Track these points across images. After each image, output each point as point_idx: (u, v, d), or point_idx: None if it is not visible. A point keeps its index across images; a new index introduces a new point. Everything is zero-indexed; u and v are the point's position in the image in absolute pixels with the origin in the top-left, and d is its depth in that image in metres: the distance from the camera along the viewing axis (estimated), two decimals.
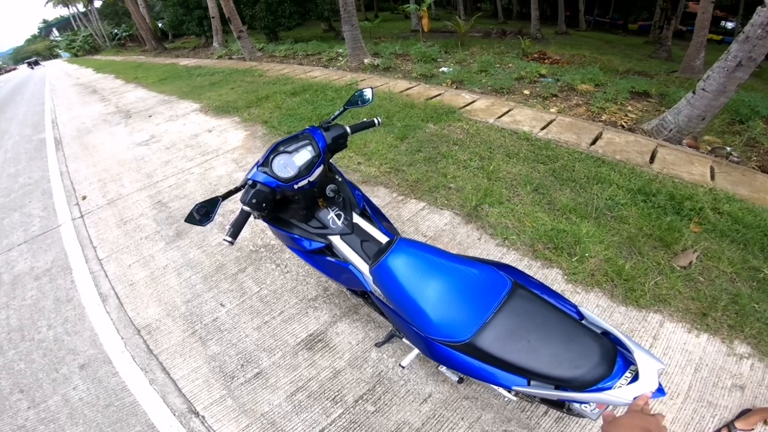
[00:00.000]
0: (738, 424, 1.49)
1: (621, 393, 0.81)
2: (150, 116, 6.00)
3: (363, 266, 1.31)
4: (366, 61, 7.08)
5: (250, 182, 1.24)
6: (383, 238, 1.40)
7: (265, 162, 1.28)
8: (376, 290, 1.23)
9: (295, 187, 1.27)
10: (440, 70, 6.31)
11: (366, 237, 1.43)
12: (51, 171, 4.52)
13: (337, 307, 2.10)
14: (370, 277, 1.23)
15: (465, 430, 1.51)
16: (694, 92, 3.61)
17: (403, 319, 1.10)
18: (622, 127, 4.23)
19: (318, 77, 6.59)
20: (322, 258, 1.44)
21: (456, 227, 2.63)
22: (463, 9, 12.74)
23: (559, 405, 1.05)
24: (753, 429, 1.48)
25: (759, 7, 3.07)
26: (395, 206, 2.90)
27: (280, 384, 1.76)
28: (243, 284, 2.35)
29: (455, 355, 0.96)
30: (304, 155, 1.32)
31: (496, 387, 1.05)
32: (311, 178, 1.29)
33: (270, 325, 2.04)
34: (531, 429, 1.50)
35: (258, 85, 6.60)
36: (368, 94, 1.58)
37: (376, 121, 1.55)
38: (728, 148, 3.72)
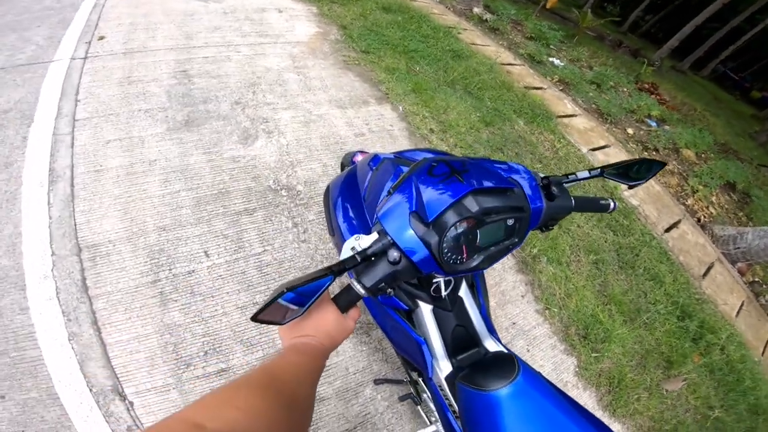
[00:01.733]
0: None
1: None
2: None
3: (441, 352, 0.85)
4: (476, 10, 5.74)
5: (395, 256, 0.59)
6: (485, 335, 0.90)
7: (437, 219, 0.61)
8: (446, 393, 0.83)
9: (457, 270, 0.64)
10: (550, 59, 5.15)
11: (464, 322, 0.89)
12: None
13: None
14: (442, 376, 0.84)
15: None
16: None
17: None
18: (698, 221, 3.51)
19: (418, 2, 5.36)
20: (390, 312, 0.91)
21: (505, 271, 2.09)
22: (591, 2, 10.59)
23: None
24: None
25: None
26: None
27: None
28: (243, 234, 1.72)
29: None
30: (499, 232, 0.67)
31: None
32: (485, 269, 0.69)
33: None
34: None
35: None
36: (652, 171, 0.86)
37: (611, 205, 0.87)
38: (765, 286, 3.15)
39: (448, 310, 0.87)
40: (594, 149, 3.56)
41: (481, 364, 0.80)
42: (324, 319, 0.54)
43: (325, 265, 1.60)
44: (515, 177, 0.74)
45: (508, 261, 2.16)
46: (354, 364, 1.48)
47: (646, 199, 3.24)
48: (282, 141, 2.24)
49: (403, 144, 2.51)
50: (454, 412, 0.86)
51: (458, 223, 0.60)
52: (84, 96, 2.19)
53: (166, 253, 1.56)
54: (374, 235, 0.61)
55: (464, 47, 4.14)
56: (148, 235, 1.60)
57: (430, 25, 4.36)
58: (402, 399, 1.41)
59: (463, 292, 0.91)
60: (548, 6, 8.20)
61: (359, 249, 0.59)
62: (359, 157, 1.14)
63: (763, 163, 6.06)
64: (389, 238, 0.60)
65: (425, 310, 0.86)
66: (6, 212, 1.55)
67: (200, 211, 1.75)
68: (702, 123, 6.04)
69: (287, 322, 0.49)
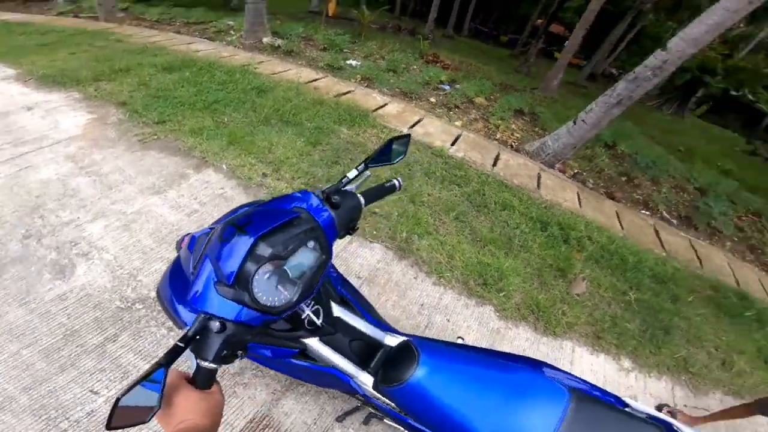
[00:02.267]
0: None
1: None
2: None
3: (353, 370, 0.94)
4: (265, 40, 5.85)
5: (216, 326, 0.62)
6: (379, 334, 1.00)
7: (239, 276, 0.66)
8: (383, 400, 0.92)
9: (286, 313, 0.70)
10: (348, 62, 5.69)
11: (354, 335, 0.99)
12: None
13: (275, 380, 1.54)
14: (369, 388, 0.93)
15: None
16: (575, 122, 4.01)
17: None
18: (511, 147, 4.52)
19: (203, 52, 5.14)
20: (289, 361, 0.95)
21: (390, 264, 2.28)
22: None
23: None
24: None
25: (658, 50, 3.29)
26: None
27: None
28: (119, 360, 1.52)
29: None
30: (304, 258, 0.72)
31: None
32: (313, 295, 0.75)
33: None
34: None
35: (115, 51, 4.70)
36: (404, 144, 0.99)
37: (396, 184, 1.00)
38: (585, 174, 4.35)
39: (332, 333, 0.94)
40: (412, 126, 4.14)
41: (389, 362, 0.88)
42: (189, 401, 0.58)
43: None
44: (298, 205, 0.82)
45: (386, 253, 2.33)
46: (308, 415, 1.48)
47: (468, 148, 3.94)
48: (106, 257, 1.94)
49: (241, 201, 2.46)
50: (401, 411, 0.93)
51: (259, 271, 0.65)
52: None
53: (51, 407, 1.35)
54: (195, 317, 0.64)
55: (266, 80, 4.22)
56: (18, 399, 1.36)
57: (222, 70, 4.29)
58: (366, 422, 1.47)
59: (338, 311, 1.00)
60: (330, 14, 8.94)
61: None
62: (186, 241, 1.11)
63: (533, 86, 8.07)
64: (205, 313, 0.64)
65: (314, 343, 0.92)
66: None
67: (56, 360, 1.49)
68: (480, 73, 7.58)
69: (150, 419, 0.52)
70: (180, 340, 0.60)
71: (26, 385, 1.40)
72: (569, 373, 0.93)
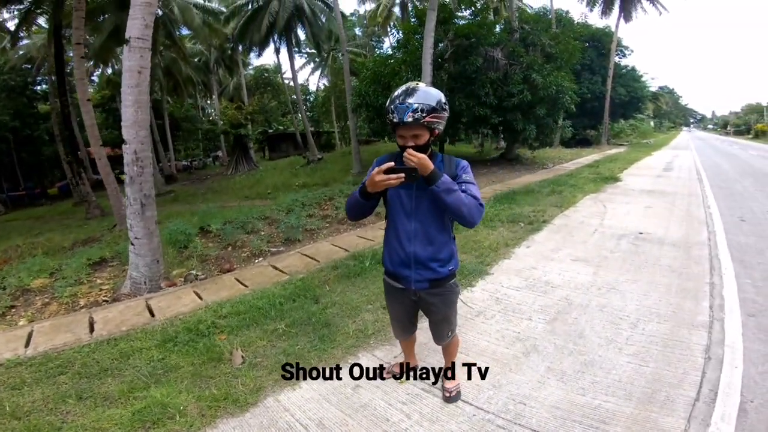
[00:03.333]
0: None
1: None
2: None
3: None
4: None
5: None
6: None
7: None
8: None
9: None
10: None
11: None
12: None
13: None
14: None
15: None
16: (132, 243, 4.22)
17: None
18: (106, 302, 4.20)
19: None
20: None
21: None
22: None
23: None
24: None
25: (124, 145, 3.82)
26: None
27: None
28: None
29: None
30: None
31: None
32: None
33: None
34: None
35: None
36: None
37: None
38: (193, 272, 4.84)
39: None
40: None
41: None
42: None
43: None
44: None
45: None
46: None
47: (51, 337, 3.11)
48: None
49: None
50: None
51: None
52: None
53: None
54: None
55: None
56: None
57: None
58: None
59: None
60: None
61: None
62: None
63: (113, 224, 7.59)
64: None
65: None
66: None
67: None
68: (37, 251, 6.21)
69: None
70: None
71: None
72: None
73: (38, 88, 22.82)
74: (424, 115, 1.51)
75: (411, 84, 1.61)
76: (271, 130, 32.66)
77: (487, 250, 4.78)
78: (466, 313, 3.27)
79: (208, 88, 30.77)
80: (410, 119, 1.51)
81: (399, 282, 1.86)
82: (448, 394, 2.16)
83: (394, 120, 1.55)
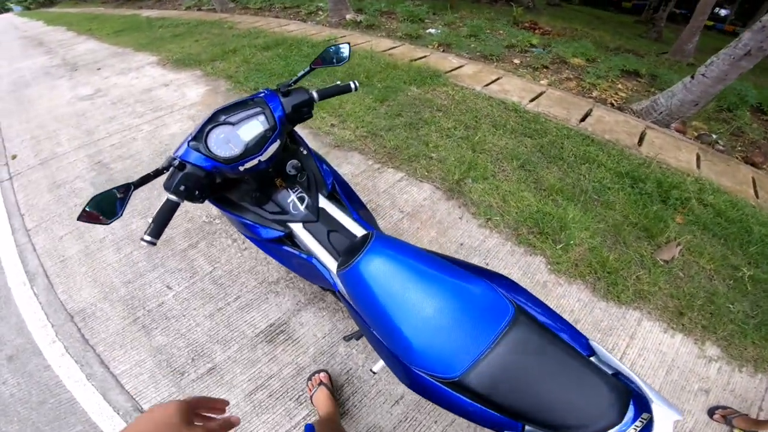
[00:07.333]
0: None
1: None
2: (99, 69, 5.27)
3: (330, 262, 1.06)
4: (348, 16, 6.45)
5: (176, 163, 0.92)
6: (357, 230, 1.12)
7: (198, 135, 0.96)
8: (346, 295, 0.98)
9: (241, 168, 0.97)
10: (427, 31, 5.84)
11: (334, 226, 1.15)
12: None
13: (302, 293, 1.88)
14: (333, 270, 1.02)
15: None
16: (692, 77, 3.45)
17: (377, 338, 0.89)
18: (612, 105, 4.07)
19: (294, 32, 5.96)
20: (279, 247, 1.17)
21: (436, 203, 2.42)
22: None
23: None
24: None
25: None
26: (371, 175, 2.63)
27: (236, 381, 1.56)
28: (194, 263, 2.07)
29: (440, 390, 0.77)
30: (253, 128, 1.00)
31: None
32: (263, 158, 0.99)
33: (224, 313, 1.80)
34: None
35: (226, 37, 5.93)
36: (345, 50, 1.24)
37: (352, 86, 1.20)
38: (714, 136, 3.65)
39: (314, 221, 1.14)
40: (487, 84, 4.10)
41: (349, 249, 0.94)
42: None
43: (267, 260, 2.00)
44: (259, 96, 1.06)
45: (434, 192, 2.46)
46: (320, 329, 1.72)
47: (550, 105, 3.75)
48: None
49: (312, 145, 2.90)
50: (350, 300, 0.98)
51: (213, 130, 0.97)
52: (26, 209, 2.58)
53: (136, 298, 1.92)
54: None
55: None
56: (117, 290, 1.97)
57: (308, 44, 4.93)
58: (347, 339, 1.61)
59: (323, 202, 1.19)
60: None
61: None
62: None
63: (662, 51, 6.98)
64: (177, 155, 0.96)
65: (297, 228, 1.13)
66: (6, 309, 1.98)
67: (153, 260, 2.12)
68: (587, 39, 6.86)
69: (110, 223, 0.82)
70: (152, 172, 0.91)
71: (127, 279, 2.02)
72: (530, 294, 0.92)
73: None
74: None
75: None
76: None
77: None
78: None
79: None
80: None
81: None
82: None
83: None
